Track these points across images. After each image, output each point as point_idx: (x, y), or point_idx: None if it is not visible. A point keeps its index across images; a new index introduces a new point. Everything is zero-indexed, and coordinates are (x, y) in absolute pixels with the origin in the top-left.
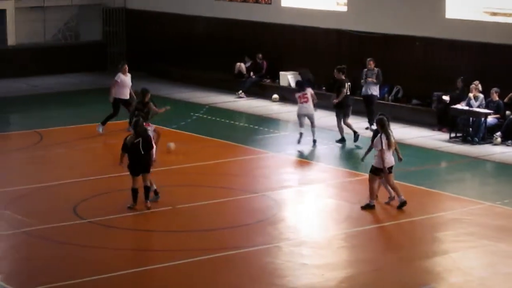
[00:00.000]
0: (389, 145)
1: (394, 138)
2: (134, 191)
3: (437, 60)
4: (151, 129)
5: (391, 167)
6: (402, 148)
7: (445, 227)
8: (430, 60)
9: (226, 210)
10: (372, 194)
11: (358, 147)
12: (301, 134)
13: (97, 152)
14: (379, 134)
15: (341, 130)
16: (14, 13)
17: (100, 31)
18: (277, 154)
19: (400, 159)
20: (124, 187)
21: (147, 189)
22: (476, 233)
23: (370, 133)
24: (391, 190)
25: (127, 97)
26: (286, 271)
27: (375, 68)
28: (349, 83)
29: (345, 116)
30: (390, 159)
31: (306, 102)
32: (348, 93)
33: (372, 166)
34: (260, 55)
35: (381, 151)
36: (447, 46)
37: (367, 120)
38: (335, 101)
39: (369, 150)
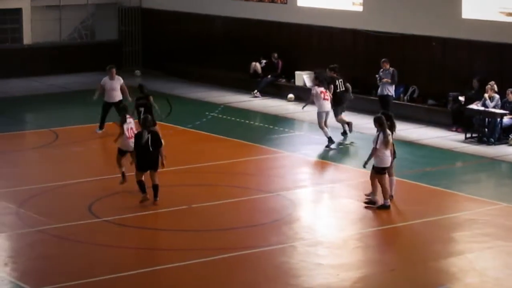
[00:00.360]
0: (385, 144)
1: (392, 138)
2: (141, 183)
3: (453, 60)
4: (131, 121)
5: (385, 168)
6: (418, 148)
7: (461, 228)
8: (446, 60)
9: (241, 210)
10: (386, 194)
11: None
12: (330, 138)
13: (112, 151)
14: (377, 133)
15: (342, 123)
16: (30, 12)
17: (116, 30)
18: (292, 154)
19: (393, 158)
20: None
21: (155, 187)
22: (492, 234)
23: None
24: (386, 189)
25: (115, 100)
26: (301, 270)
27: (390, 68)
28: (340, 80)
29: (340, 111)
30: (386, 159)
31: (327, 99)
32: (343, 89)
33: (377, 167)
34: (275, 55)
35: (376, 149)
36: (463, 46)
37: None
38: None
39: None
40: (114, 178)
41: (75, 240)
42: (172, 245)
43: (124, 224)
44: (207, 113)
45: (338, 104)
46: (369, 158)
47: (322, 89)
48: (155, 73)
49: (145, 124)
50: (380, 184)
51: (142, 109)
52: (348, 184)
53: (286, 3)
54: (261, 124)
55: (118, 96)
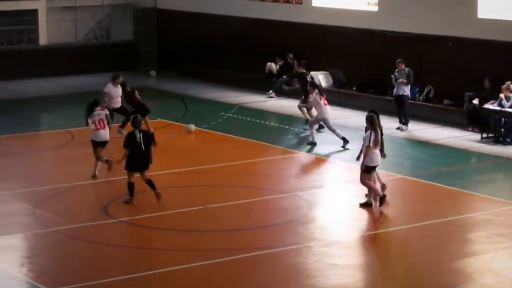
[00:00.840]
0: (376, 143)
1: (381, 136)
2: (131, 185)
3: (469, 60)
4: (103, 112)
5: (375, 166)
6: (434, 148)
7: (477, 228)
8: (462, 60)
9: (256, 210)
10: (374, 189)
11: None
12: (344, 138)
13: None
14: (368, 131)
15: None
16: (46, 13)
17: (131, 31)
18: (308, 154)
19: (383, 156)
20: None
21: (149, 182)
22: (508, 234)
23: (401, 133)
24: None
25: (118, 105)
26: (316, 271)
27: (406, 68)
28: (310, 75)
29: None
30: (375, 157)
31: (327, 104)
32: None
33: (365, 165)
34: (291, 55)
35: (367, 148)
36: (479, 46)
37: (398, 120)
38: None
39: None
40: None
41: (91, 240)
42: (187, 245)
43: (139, 224)
44: (222, 113)
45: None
46: (364, 160)
47: (322, 95)
48: (170, 73)
49: (136, 123)
50: (367, 182)
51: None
52: None
53: (301, 3)
54: (277, 125)
55: (120, 102)
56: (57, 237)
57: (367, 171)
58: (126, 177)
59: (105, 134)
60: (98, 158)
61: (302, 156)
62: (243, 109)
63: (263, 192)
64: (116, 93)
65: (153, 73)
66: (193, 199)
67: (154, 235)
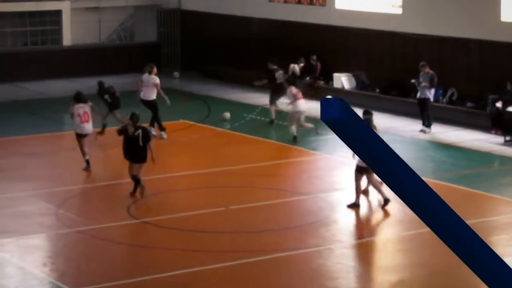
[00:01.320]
0: None
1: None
2: (133, 177)
3: (492, 63)
4: (87, 105)
5: None
6: (457, 151)
7: (499, 231)
8: (485, 62)
9: (278, 212)
10: (358, 192)
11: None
12: (295, 137)
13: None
14: None
15: (273, 111)
16: (70, 14)
17: (155, 32)
18: (330, 156)
19: None
20: (177, 188)
21: (135, 178)
22: None
23: (424, 136)
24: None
25: (153, 97)
26: (338, 273)
27: (429, 72)
28: (280, 71)
29: (276, 99)
30: None
31: (301, 98)
32: (282, 80)
33: (357, 165)
34: (314, 57)
35: None
36: (502, 48)
37: (421, 122)
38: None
39: None
40: (152, 179)
41: (113, 241)
42: (209, 246)
43: (161, 225)
44: (245, 114)
45: (276, 93)
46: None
47: (296, 89)
48: (193, 74)
49: (133, 119)
50: (355, 182)
51: (107, 96)
52: (386, 187)
53: (324, 5)
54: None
55: (155, 94)
56: (79, 237)
57: (360, 171)
58: (148, 178)
59: (88, 127)
60: (84, 152)
61: (324, 158)
62: (265, 111)
63: (285, 193)
64: (153, 81)
65: (176, 74)
66: (215, 201)
67: (176, 236)
